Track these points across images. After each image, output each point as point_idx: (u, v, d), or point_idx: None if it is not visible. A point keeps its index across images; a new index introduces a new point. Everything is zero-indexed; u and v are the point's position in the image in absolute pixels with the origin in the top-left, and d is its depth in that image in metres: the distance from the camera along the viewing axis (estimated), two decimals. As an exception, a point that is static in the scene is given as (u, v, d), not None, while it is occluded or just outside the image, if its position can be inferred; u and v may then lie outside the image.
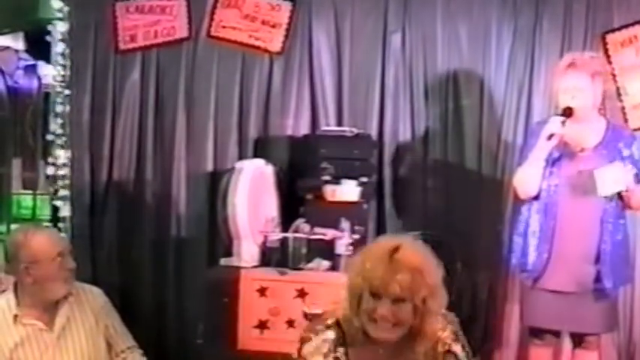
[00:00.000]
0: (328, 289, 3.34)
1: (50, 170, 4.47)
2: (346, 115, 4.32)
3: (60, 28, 4.41)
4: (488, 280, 4.19)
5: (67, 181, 4.43)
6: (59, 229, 4.25)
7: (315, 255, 3.71)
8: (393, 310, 2.15)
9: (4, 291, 3.15)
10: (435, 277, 2.19)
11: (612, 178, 3.39)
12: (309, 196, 3.91)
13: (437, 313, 2.21)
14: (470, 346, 2.32)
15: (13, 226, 5.09)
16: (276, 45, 4.35)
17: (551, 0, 4.15)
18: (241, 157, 4.30)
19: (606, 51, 4.08)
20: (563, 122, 3.45)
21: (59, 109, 4.43)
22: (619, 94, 4.06)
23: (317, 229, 3.74)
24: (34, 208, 5.64)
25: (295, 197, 3.98)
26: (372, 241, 2.43)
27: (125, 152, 4.46)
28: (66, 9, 4.40)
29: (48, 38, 4.49)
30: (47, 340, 3.00)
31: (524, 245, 3.60)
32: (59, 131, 4.43)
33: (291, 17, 4.34)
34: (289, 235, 3.76)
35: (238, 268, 3.69)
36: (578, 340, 3.67)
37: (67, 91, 4.42)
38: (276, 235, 3.79)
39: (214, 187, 4.12)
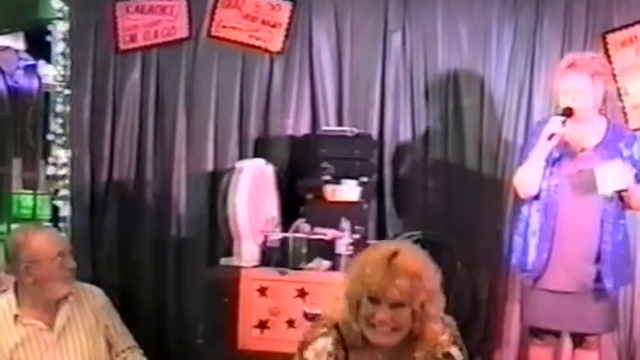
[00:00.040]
0: (328, 288, 3.33)
1: (50, 170, 4.47)
2: (346, 114, 4.32)
3: (60, 27, 4.41)
4: (489, 280, 4.19)
5: (67, 181, 4.44)
6: (59, 229, 4.25)
7: (316, 255, 3.71)
8: (391, 314, 2.16)
9: (4, 291, 3.15)
10: (433, 282, 2.21)
11: (613, 176, 3.39)
12: (310, 196, 3.91)
13: (435, 318, 2.23)
14: (469, 347, 2.33)
15: (13, 226, 5.10)
16: (276, 45, 4.35)
17: (551, -1, 4.17)
18: (241, 156, 4.30)
19: (606, 51, 4.08)
20: (564, 122, 3.45)
21: (59, 108, 4.43)
22: (619, 94, 4.05)
23: (317, 229, 3.74)
24: (34, 207, 5.64)
25: (295, 197, 3.98)
26: (372, 242, 2.44)
27: (125, 152, 4.46)
28: (66, 9, 4.41)
29: (48, 38, 4.49)
30: (47, 339, 3.00)
31: (524, 245, 3.60)
32: (59, 131, 4.44)
33: (291, 17, 4.33)
34: (289, 234, 3.76)
35: (238, 267, 3.69)
36: (579, 340, 3.67)
37: (67, 91, 4.43)
38: (277, 235, 3.79)
39: (214, 187, 4.12)
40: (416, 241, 3.91)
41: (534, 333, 3.69)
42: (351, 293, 2.22)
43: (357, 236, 3.70)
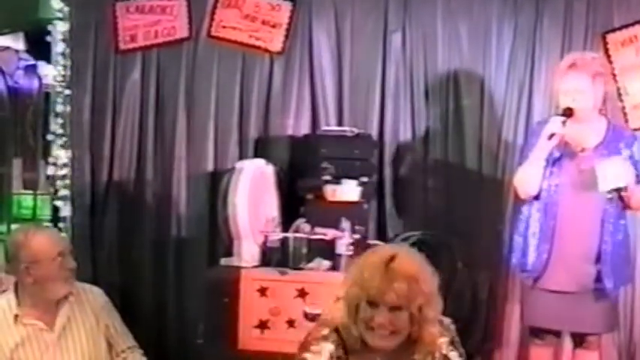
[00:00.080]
0: (329, 288, 3.32)
1: (50, 170, 4.47)
2: (347, 114, 4.32)
3: (60, 28, 4.41)
4: (489, 280, 4.19)
5: (67, 181, 4.43)
6: (59, 229, 4.24)
7: (316, 255, 3.71)
8: (390, 318, 2.17)
9: (4, 291, 3.15)
10: (430, 285, 2.22)
11: (614, 172, 3.39)
12: (310, 196, 3.91)
13: (433, 321, 2.24)
14: (469, 348, 2.33)
15: (13, 226, 5.10)
16: (276, 45, 4.35)
17: (551, -2, 4.17)
18: (242, 157, 4.30)
19: (607, 51, 4.08)
20: (564, 122, 3.45)
21: (59, 109, 4.43)
22: (619, 94, 4.05)
23: (317, 229, 3.74)
24: (34, 208, 5.65)
25: (296, 197, 3.98)
26: (372, 242, 2.44)
27: (125, 152, 4.46)
28: (66, 9, 4.40)
29: (48, 38, 4.49)
30: (48, 340, 3.00)
31: (524, 245, 3.60)
32: (59, 131, 4.43)
33: (291, 17, 4.33)
34: (290, 235, 3.76)
35: (239, 268, 3.69)
36: (579, 340, 3.67)
37: (67, 91, 4.42)
38: (277, 235, 3.79)
39: (215, 187, 4.12)
40: (416, 242, 3.92)
41: (534, 333, 3.69)
42: (350, 297, 2.23)
43: (357, 236, 3.70)
